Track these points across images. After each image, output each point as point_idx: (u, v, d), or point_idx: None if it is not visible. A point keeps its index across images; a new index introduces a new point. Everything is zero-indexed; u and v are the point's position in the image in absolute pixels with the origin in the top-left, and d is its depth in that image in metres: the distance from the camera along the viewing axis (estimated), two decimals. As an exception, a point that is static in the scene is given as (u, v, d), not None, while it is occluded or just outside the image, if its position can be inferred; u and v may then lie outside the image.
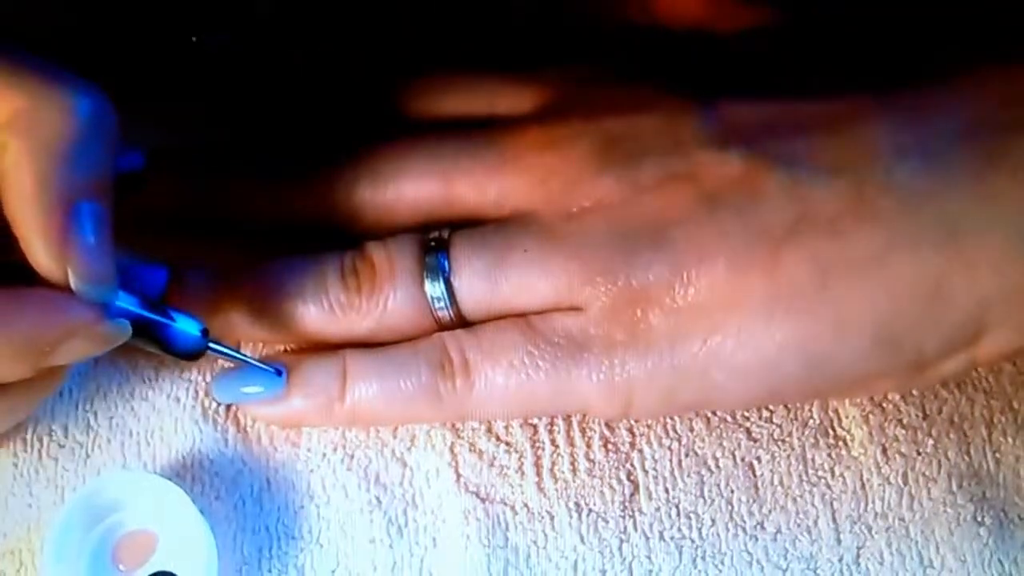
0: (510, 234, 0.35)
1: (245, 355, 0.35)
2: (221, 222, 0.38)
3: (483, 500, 0.36)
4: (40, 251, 0.29)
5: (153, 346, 0.33)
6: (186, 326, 0.33)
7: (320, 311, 0.35)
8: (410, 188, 0.36)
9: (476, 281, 0.35)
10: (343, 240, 0.36)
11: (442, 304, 0.35)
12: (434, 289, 0.35)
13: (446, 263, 0.35)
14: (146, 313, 0.32)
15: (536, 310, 0.35)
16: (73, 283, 0.30)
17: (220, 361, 0.37)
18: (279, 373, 0.35)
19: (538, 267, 0.34)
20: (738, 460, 0.36)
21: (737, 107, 0.34)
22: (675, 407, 0.36)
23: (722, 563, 0.35)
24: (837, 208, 0.32)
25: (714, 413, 0.37)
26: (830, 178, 0.33)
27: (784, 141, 0.33)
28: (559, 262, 0.34)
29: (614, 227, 0.34)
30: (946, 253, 0.32)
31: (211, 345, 0.34)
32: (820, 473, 0.36)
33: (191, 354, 0.33)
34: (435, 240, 0.35)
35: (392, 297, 0.35)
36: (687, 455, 0.36)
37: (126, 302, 0.32)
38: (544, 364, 0.34)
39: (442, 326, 0.35)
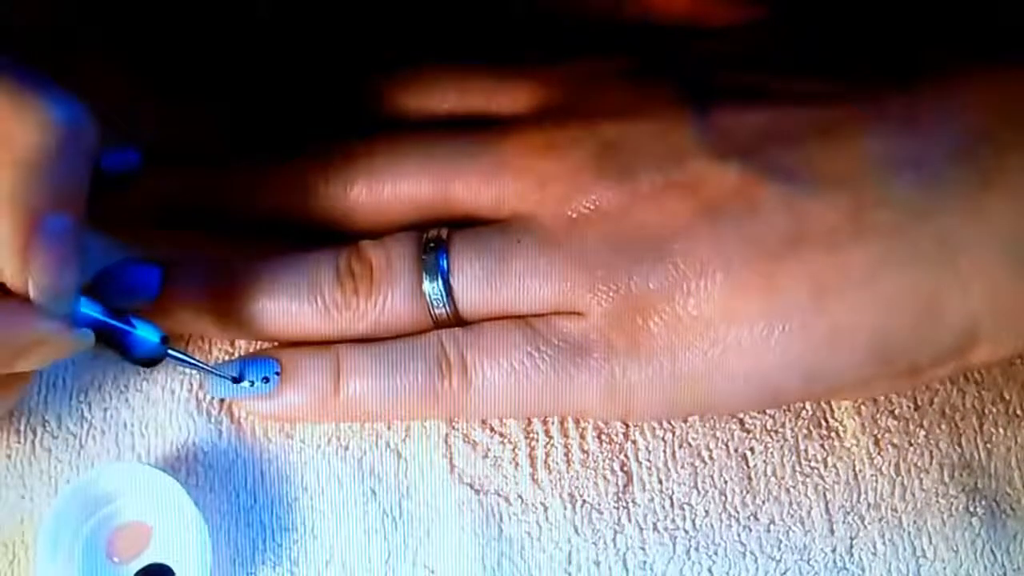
0: (510, 237, 0.35)
1: (204, 363, 0.35)
2: (215, 218, 0.38)
3: (477, 491, 0.36)
4: (4, 263, 0.29)
5: (114, 352, 0.33)
6: (146, 333, 0.33)
7: (315, 311, 0.35)
8: (406, 187, 0.36)
9: (476, 283, 0.35)
10: (338, 235, 0.36)
11: (440, 303, 0.35)
12: (433, 289, 0.35)
13: (445, 263, 0.35)
14: (108, 320, 0.33)
15: (535, 313, 0.35)
16: (33, 295, 0.30)
17: (214, 355, 0.37)
18: (273, 368, 0.35)
19: (539, 272, 0.34)
20: (731, 451, 0.36)
21: (732, 113, 0.34)
22: (674, 413, 0.36)
23: (716, 554, 0.35)
24: (833, 222, 0.33)
25: (708, 405, 0.37)
26: (826, 191, 0.33)
27: (780, 151, 0.34)
28: (560, 268, 0.34)
29: (614, 235, 0.34)
30: (940, 269, 0.32)
31: (170, 352, 0.34)
32: (813, 464, 0.36)
33: (150, 360, 0.34)
34: (434, 239, 0.35)
35: (390, 297, 0.35)
36: (681, 446, 0.36)
37: (89, 308, 0.32)
38: (544, 366, 0.34)
39: (439, 324, 0.35)
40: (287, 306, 0.35)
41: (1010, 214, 0.32)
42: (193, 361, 0.35)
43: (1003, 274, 0.32)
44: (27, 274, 0.29)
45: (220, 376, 0.35)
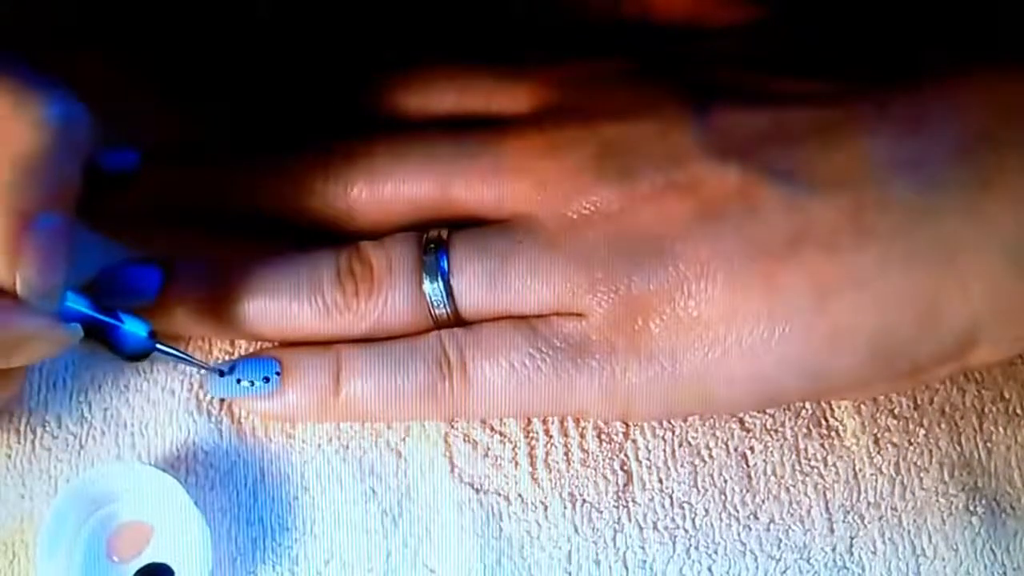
0: (510, 237, 0.35)
1: (191, 357, 0.36)
2: (215, 217, 0.38)
3: (477, 491, 0.36)
4: None
5: (101, 347, 0.34)
6: (134, 328, 0.34)
7: (316, 312, 0.35)
8: (406, 187, 0.36)
9: (476, 283, 0.35)
10: (338, 235, 0.36)
11: (441, 304, 0.35)
12: (433, 289, 0.35)
13: (445, 263, 0.35)
14: (96, 315, 0.33)
15: (536, 314, 0.35)
16: (21, 292, 0.30)
17: (215, 355, 0.37)
18: (273, 368, 0.35)
19: (540, 273, 0.34)
20: (731, 450, 0.36)
21: (732, 113, 0.34)
22: (674, 413, 0.36)
23: (715, 553, 0.35)
24: (834, 224, 0.33)
25: (707, 404, 0.37)
26: (827, 192, 0.33)
27: (780, 152, 0.34)
28: (561, 269, 0.34)
29: (615, 236, 0.34)
30: (940, 270, 0.32)
31: (158, 346, 0.34)
32: (813, 463, 0.36)
33: (139, 355, 0.34)
34: (434, 240, 0.35)
35: (390, 298, 0.35)
36: (680, 445, 0.36)
37: (77, 304, 0.33)
38: (544, 367, 0.34)
39: (440, 325, 0.35)
40: (287, 307, 0.35)
41: (1010, 215, 0.32)
42: (181, 355, 0.35)
43: (1003, 275, 0.32)
44: (16, 272, 0.30)
45: (207, 370, 0.36)
